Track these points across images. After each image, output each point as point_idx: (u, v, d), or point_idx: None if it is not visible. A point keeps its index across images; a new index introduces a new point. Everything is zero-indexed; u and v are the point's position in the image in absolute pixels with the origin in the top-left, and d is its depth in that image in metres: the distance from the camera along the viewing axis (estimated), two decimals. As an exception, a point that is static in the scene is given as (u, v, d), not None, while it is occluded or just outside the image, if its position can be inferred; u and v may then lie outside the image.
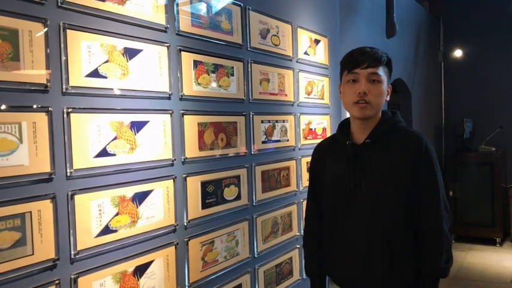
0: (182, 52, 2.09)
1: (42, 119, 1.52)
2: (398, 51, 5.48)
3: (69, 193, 1.60)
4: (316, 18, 3.30)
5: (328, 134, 3.41)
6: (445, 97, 7.38)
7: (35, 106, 1.50)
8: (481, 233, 6.40)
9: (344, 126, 1.85)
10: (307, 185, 3.05)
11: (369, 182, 1.70)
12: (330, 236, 1.83)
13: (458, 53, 7.16)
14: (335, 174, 1.79)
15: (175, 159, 2.04)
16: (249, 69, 2.55)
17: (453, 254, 1.71)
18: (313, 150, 1.97)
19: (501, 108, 6.74)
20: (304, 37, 3.13)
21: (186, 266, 2.10)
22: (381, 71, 1.70)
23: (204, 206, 2.21)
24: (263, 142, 2.67)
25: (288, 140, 2.91)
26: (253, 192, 2.57)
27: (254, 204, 2.57)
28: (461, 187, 6.54)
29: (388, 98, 1.76)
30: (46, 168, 1.53)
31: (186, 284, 2.10)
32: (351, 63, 1.72)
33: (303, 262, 2.00)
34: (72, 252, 1.61)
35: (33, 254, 1.49)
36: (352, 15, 4.36)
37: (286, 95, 2.90)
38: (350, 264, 1.74)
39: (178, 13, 2.08)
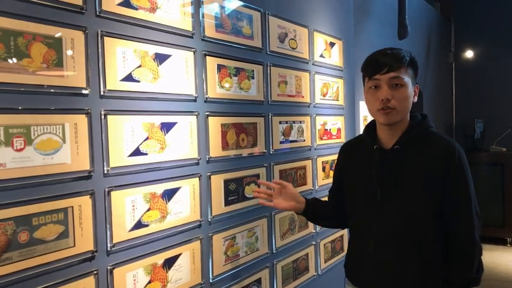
0: (207, 57, 2.20)
1: (82, 120, 1.63)
2: (410, 53, 5.53)
3: (106, 190, 1.71)
4: (331, 21, 3.40)
5: (343, 135, 3.50)
6: (456, 97, 7.45)
7: (76, 108, 1.61)
8: (492, 233, 6.45)
9: (371, 129, 1.80)
10: (323, 183, 3.17)
11: (399, 189, 1.66)
12: (355, 241, 1.83)
13: (469, 53, 7.22)
14: (362, 179, 1.76)
15: (200, 159, 2.15)
16: (268, 72, 2.65)
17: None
18: (340, 148, 1.99)
19: (512, 108, 6.80)
20: (320, 40, 3.23)
21: (211, 259, 2.21)
22: (404, 74, 1.62)
23: (227, 203, 2.32)
24: (281, 142, 2.78)
25: (304, 140, 3.01)
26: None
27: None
28: (472, 188, 6.57)
29: (415, 99, 1.69)
30: (86, 166, 1.64)
31: (210, 276, 2.20)
32: (370, 69, 1.65)
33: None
34: (109, 245, 1.72)
35: (74, 246, 1.60)
36: (365, 18, 4.44)
37: (302, 97, 3.00)
38: (378, 273, 1.71)
39: (203, 19, 2.19)
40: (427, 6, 6.55)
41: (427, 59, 6.42)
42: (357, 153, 1.85)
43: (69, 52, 1.59)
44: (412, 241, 1.66)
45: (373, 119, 1.81)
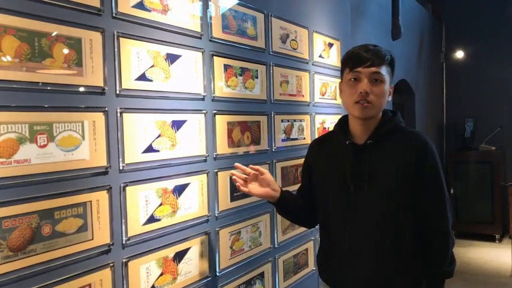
0: (214, 57, 2.27)
1: (100, 118, 1.69)
2: (403, 53, 5.65)
3: (122, 185, 1.78)
4: (329, 22, 3.48)
5: (340, 133, 3.58)
6: (447, 97, 7.59)
7: (94, 106, 1.68)
8: (481, 230, 6.61)
9: (342, 125, 1.81)
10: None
11: (373, 184, 1.66)
12: (327, 240, 1.81)
13: (459, 54, 7.36)
14: (334, 175, 1.74)
15: (208, 155, 2.22)
16: (271, 72, 2.72)
17: (454, 249, 1.73)
18: (308, 146, 1.98)
19: (501, 108, 6.94)
20: (319, 41, 3.31)
21: (217, 253, 2.28)
22: (384, 71, 1.66)
23: (232, 198, 2.39)
24: (283, 140, 2.85)
25: (304, 138, 3.09)
26: (274, 187, 2.74)
27: (275, 198, 2.75)
28: (462, 185, 6.75)
29: (390, 99, 1.73)
30: (103, 162, 1.71)
31: (217, 270, 2.28)
32: (352, 62, 1.67)
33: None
34: (124, 238, 1.78)
35: (92, 239, 1.66)
36: (361, 19, 4.53)
37: (303, 96, 3.08)
38: (355, 271, 1.70)
39: (211, 21, 2.25)
40: (419, 8, 6.67)
41: (419, 59, 6.53)
42: (327, 150, 1.84)
43: (88, 52, 1.65)
44: (388, 235, 1.66)
45: (343, 115, 1.84)
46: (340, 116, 3.52)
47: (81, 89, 1.63)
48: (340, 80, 1.80)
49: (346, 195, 1.70)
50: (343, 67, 1.74)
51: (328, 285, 1.84)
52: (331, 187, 1.76)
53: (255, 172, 1.87)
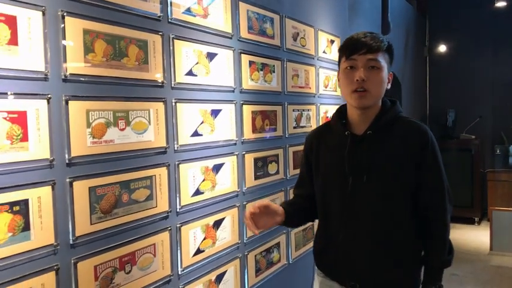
0: (242, 54, 2.62)
1: (160, 107, 2.04)
2: (391, 47, 6.02)
3: (176, 163, 2.13)
4: (331, 21, 3.85)
5: (340, 121, 3.97)
6: (430, 88, 8.02)
7: (157, 97, 2.02)
8: (462, 213, 7.06)
9: (341, 115, 1.76)
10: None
11: (371, 175, 1.62)
12: (326, 228, 1.77)
13: (442, 48, 7.79)
14: (332, 166, 1.69)
15: (237, 140, 2.58)
16: (285, 67, 3.09)
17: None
18: (305, 138, 1.95)
19: (481, 99, 7.39)
20: (323, 38, 3.68)
21: (244, 224, 2.64)
22: (381, 58, 1.61)
23: (256, 177, 2.76)
24: (294, 127, 3.23)
25: (311, 126, 3.46)
26: (287, 169, 3.12)
27: (288, 178, 3.13)
28: (444, 171, 7.19)
29: (389, 86, 1.68)
30: (163, 143, 2.05)
31: (244, 238, 2.65)
32: (348, 49, 1.62)
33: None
34: (178, 207, 2.14)
35: (156, 207, 2.02)
36: (355, 16, 4.90)
37: (310, 88, 3.46)
38: (350, 261, 1.69)
39: (239, 22, 2.60)
40: (406, 4, 7.07)
41: (405, 52, 6.94)
42: (326, 141, 1.78)
43: (152, 52, 1.99)
44: (386, 225, 1.64)
45: (341, 105, 1.82)
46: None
47: (147, 83, 1.97)
48: (338, 70, 1.76)
49: (344, 186, 1.66)
50: (340, 56, 1.69)
51: (323, 273, 1.82)
52: (330, 178, 1.73)
53: (258, 210, 1.65)
